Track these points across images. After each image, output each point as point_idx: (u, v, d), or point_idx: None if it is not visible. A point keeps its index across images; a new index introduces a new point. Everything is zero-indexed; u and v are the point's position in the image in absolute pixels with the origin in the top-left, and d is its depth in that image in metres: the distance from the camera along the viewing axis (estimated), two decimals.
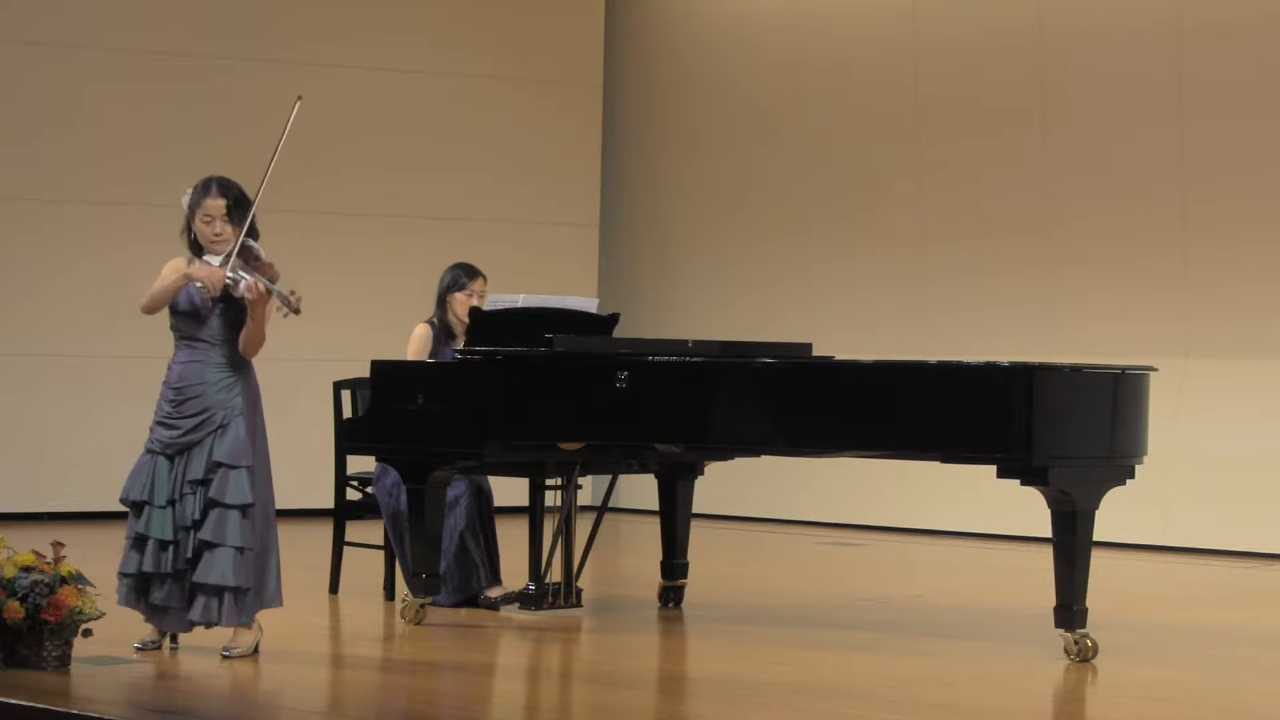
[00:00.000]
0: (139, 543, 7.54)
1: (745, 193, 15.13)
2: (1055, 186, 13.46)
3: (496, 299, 9.34)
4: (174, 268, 7.62)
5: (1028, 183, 13.59)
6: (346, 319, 14.20)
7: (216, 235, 7.57)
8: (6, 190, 13.61)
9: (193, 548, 7.46)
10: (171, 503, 7.51)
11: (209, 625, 7.52)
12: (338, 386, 9.84)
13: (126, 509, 7.63)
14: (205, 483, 7.49)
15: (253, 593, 7.55)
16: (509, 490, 10.02)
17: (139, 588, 7.57)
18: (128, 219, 13.57)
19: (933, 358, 8.49)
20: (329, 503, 9.85)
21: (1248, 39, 12.59)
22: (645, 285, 15.71)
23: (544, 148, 15.34)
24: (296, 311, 7.48)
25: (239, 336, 7.58)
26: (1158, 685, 7.59)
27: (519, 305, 9.26)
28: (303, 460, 12.38)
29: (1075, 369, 7.96)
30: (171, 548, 7.49)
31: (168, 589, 7.53)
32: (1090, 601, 7.96)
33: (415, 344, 9.43)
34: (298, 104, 7.75)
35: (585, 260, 15.50)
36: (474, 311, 9.05)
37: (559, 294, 9.77)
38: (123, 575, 7.58)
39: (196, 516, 7.46)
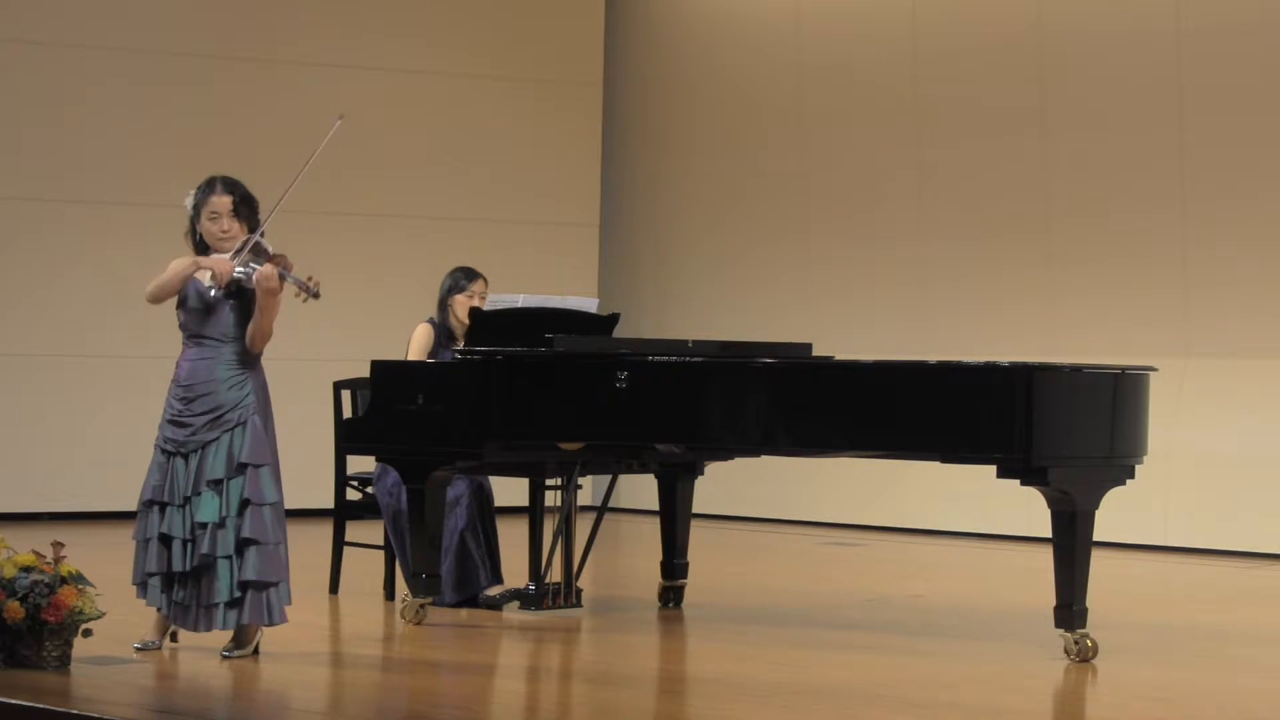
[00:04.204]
0: (164, 542, 7.46)
1: (745, 193, 15.12)
2: (1055, 186, 13.45)
3: (496, 299, 9.35)
4: (181, 263, 7.57)
5: (1028, 183, 13.58)
6: (346, 319, 14.18)
7: (224, 232, 7.52)
8: (6, 190, 13.60)
9: (209, 544, 7.39)
10: (187, 500, 7.46)
11: (241, 626, 7.46)
12: (338, 386, 9.84)
13: (136, 510, 7.57)
14: (227, 482, 7.43)
15: (284, 584, 7.54)
16: (509, 490, 10.02)
17: (166, 585, 7.51)
18: (128, 219, 13.56)
19: (933, 357, 8.50)
20: (329, 503, 9.85)
21: (1248, 39, 12.59)
22: (645, 285, 15.70)
23: (544, 148, 15.33)
24: (315, 296, 7.39)
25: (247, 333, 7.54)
26: (1158, 685, 7.59)
27: (519, 305, 9.26)
28: (303, 460, 12.34)
29: (1075, 369, 7.96)
30: (189, 545, 7.45)
31: (189, 587, 7.48)
32: (1090, 601, 7.96)
33: (418, 341, 9.43)
34: (338, 123, 7.65)
35: (585, 260, 15.49)
36: (474, 311, 9.06)
37: (559, 294, 9.77)
38: (149, 575, 7.49)
39: (224, 514, 7.39)
